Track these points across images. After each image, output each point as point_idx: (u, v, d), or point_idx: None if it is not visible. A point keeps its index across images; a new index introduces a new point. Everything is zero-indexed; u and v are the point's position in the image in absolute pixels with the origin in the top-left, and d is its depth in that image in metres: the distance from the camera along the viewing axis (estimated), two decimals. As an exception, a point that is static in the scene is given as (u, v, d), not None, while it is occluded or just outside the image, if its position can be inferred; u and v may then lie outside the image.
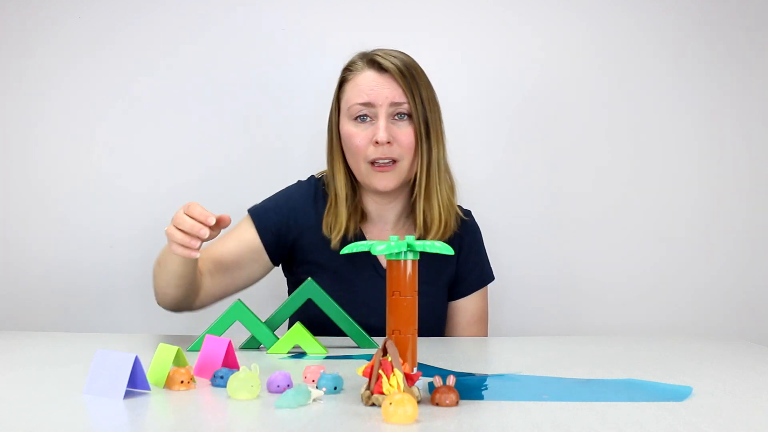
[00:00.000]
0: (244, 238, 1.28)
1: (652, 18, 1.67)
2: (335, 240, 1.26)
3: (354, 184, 1.30)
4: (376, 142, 1.21)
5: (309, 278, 1.10)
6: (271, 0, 1.66)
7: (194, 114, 1.67)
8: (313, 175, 1.37)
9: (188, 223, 1.03)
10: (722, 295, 1.66)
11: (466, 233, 1.35)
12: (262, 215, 1.30)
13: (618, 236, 1.66)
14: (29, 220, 1.66)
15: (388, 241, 0.83)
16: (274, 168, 1.63)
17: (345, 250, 0.88)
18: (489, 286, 1.40)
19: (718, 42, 1.67)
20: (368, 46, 1.30)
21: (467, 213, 1.39)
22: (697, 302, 1.66)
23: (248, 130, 1.67)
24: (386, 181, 1.24)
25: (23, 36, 1.66)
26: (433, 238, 1.25)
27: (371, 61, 1.24)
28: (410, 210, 1.32)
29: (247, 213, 1.31)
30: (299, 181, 1.36)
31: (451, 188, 1.30)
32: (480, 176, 1.65)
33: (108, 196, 1.66)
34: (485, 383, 0.81)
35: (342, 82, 1.28)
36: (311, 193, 1.32)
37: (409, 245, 0.83)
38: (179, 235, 1.04)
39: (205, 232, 1.03)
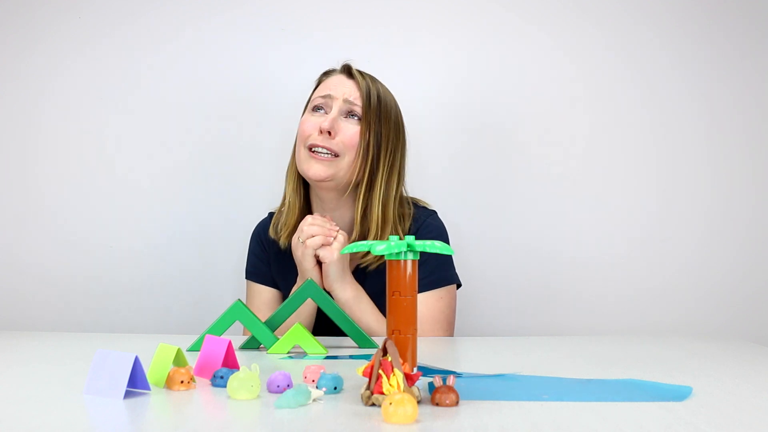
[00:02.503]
0: (265, 298, 1.38)
1: (608, 12, 1.67)
2: (283, 238, 1.31)
3: (305, 190, 1.34)
4: (321, 131, 1.24)
5: (309, 279, 1.10)
6: (272, 2, 1.67)
7: (196, 114, 1.66)
8: (270, 212, 1.44)
9: (319, 221, 1.21)
10: (722, 295, 1.66)
11: (420, 230, 1.32)
12: (254, 272, 1.40)
13: (618, 236, 1.66)
14: (29, 219, 1.66)
15: (388, 241, 0.83)
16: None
17: (345, 251, 0.88)
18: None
19: (706, 38, 1.67)
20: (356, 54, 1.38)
21: (431, 213, 1.37)
22: (697, 302, 1.66)
23: (251, 131, 1.66)
24: (319, 168, 1.25)
25: (23, 35, 1.66)
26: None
27: (345, 66, 1.32)
28: (362, 218, 1.29)
29: (246, 279, 1.42)
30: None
31: (399, 216, 1.30)
32: (455, 176, 1.65)
33: (108, 196, 1.66)
34: (485, 383, 0.81)
35: (317, 85, 1.35)
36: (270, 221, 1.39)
37: (409, 245, 0.82)
38: (317, 228, 1.19)
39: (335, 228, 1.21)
